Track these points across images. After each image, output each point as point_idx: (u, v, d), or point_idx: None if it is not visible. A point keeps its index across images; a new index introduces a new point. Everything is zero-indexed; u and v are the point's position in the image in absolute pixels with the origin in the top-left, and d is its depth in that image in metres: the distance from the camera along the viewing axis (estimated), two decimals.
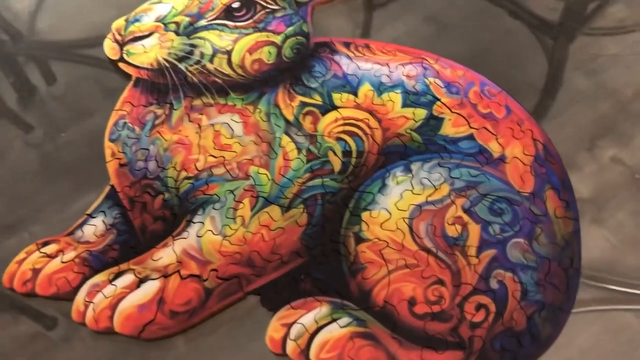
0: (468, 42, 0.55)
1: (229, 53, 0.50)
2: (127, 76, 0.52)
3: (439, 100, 0.46)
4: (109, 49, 0.52)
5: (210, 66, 0.49)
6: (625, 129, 0.50)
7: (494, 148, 0.44)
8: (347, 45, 0.50)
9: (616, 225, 0.46)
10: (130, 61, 0.50)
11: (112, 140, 0.48)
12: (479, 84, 0.47)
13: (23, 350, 0.43)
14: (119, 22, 0.53)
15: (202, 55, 0.50)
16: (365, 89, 0.48)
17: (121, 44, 0.51)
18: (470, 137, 0.45)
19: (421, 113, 0.46)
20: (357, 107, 0.47)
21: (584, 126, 0.50)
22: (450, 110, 0.46)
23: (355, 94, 0.48)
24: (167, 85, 0.49)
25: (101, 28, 0.59)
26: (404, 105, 0.46)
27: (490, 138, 0.44)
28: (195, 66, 0.49)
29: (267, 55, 0.50)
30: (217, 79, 0.49)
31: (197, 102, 0.49)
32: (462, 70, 0.48)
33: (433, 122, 0.45)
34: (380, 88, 0.47)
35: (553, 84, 0.53)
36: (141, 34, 0.51)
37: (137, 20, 0.52)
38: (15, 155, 0.55)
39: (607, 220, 0.46)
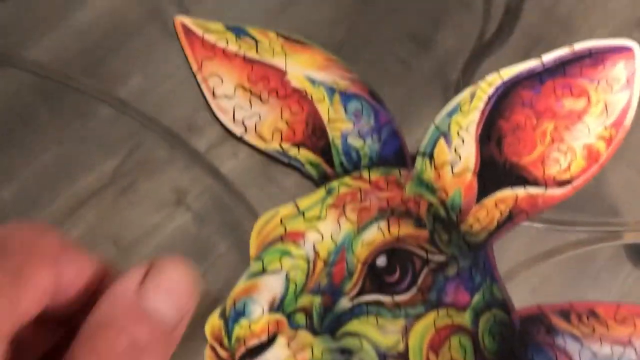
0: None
1: (404, 357, 0.33)
2: None
3: None
4: None
5: None
6: None
7: None
8: (565, 316, 0.35)
9: None
10: None
11: None
12: None
13: None
14: (214, 323, 0.34)
15: None
16: None
17: None
18: None
19: None
20: None
21: None
22: None
23: None
24: None
25: None
26: None
27: None
28: None
29: (459, 352, 0.34)
30: None
31: None
32: None
33: None
34: None
35: None
36: (259, 343, 0.33)
37: (241, 314, 0.34)
38: None
39: None
